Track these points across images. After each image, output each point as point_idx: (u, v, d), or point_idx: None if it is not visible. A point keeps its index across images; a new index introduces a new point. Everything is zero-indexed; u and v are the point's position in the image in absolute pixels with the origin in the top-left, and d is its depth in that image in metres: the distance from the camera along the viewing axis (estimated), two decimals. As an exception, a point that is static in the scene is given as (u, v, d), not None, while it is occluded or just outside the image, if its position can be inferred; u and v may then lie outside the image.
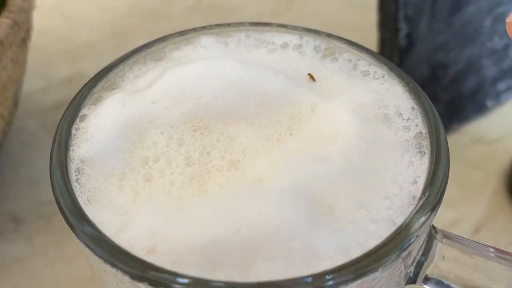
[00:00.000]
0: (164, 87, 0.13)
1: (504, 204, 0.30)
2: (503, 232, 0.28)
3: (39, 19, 0.32)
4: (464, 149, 0.33)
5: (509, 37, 0.34)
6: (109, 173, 0.12)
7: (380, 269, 0.09)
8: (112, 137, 0.13)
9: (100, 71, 0.15)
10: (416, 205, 0.11)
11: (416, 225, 0.10)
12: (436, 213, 0.11)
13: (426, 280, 0.12)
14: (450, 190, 0.30)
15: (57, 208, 0.30)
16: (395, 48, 0.28)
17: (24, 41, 0.25)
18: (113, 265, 0.10)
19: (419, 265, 0.12)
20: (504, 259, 0.13)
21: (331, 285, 0.09)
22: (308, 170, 0.11)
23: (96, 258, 0.11)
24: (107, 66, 0.16)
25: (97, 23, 0.43)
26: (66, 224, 0.29)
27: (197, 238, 0.10)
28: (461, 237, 0.13)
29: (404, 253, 0.10)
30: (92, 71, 0.38)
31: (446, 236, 0.12)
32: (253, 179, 0.11)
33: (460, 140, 0.33)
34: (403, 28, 0.27)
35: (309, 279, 0.09)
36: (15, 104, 0.27)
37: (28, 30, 0.25)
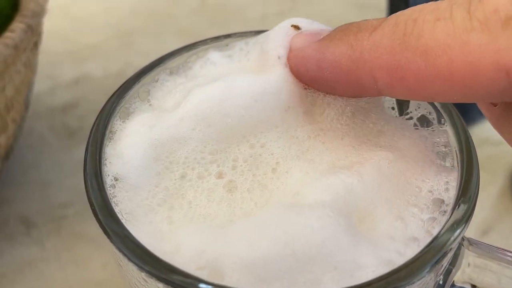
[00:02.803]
0: (190, 108, 0.13)
1: (511, 205, 0.30)
2: (511, 234, 0.28)
3: (45, 21, 0.32)
4: (471, 150, 0.33)
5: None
6: (144, 193, 0.13)
7: (417, 279, 0.10)
8: (143, 157, 0.13)
9: (123, 84, 0.15)
10: (450, 216, 0.11)
11: (452, 237, 0.11)
12: (468, 224, 0.12)
13: (453, 287, 0.13)
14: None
15: (67, 211, 0.30)
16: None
17: (36, 45, 0.25)
18: (167, 281, 0.10)
19: (447, 273, 0.12)
20: None
21: None
22: (345, 184, 0.11)
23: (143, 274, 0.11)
24: (129, 79, 0.16)
25: (102, 24, 0.43)
26: (77, 227, 0.29)
27: (246, 254, 0.10)
28: (487, 244, 0.13)
29: (439, 264, 0.10)
30: (98, 72, 0.39)
31: (473, 243, 0.13)
32: (292, 193, 0.12)
33: (466, 141, 0.33)
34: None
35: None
36: (27, 107, 0.27)
37: (39, 34, 0.25)
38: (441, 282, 0.12)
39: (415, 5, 0.27)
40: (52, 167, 0.32)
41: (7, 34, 0.21)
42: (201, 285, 0.10)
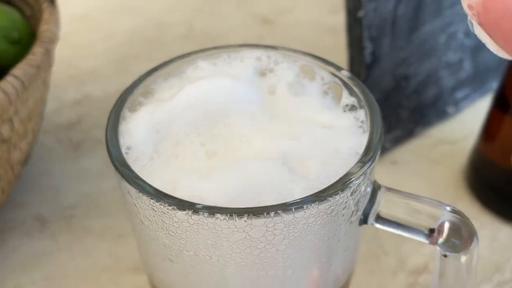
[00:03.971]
0: (182, 99, 0.18)
1: (464, 194, 0.34)
2: (461, 217, 0.33)
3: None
4: (429, 149, 0.38)
5: (462, 52, 0.39)
6: (148, 155, 0.17)
7: (331, 197, 0.14)
8: (146, 132, 0.17)
9: (132, 84, 0.20)
10: (358, 161, 0.16)
11: (356, 172, 0.15)
12: (370, 165, 0.16)
13: (375, 220, 0.17)
14: (418, 183, 0.35)
15: (76, 211, 0.34)
16: (362, 64, 0.33)
17: (50, 67, 0.30)
18: (168, 202, 0.14)
19: (367, 210, 0.17)
20: (431, 202, 0.17)
21: (299, 205, 0.14)
22: (289, 145, 0.16)
23: (145, 197, 0.15)
24: (135, 80, 0.20)
25: (100, 52, 0.48)
26: (84, 224, 0.33)
27: (222, 189, 0.14)
28: (400, 190, 0.17)
29: (347, 190, 0.15)
30: (98, 93, 0.43)
31: (389, 189, 0.17)
32: (253, 153, 0.16)
33: (425, 142, 0.38)
34: (368, 47, 0.32)
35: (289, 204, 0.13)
36: (41, 120, 0.31)
37: (53, 58, 0.30)
38: (362, 217, 0.17)
39: (368, 26, 0.32)
40: (61, 174, 0.36)
41: (30, 56, 0.25)
42: (198, 206, 0.14)
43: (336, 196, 0.14)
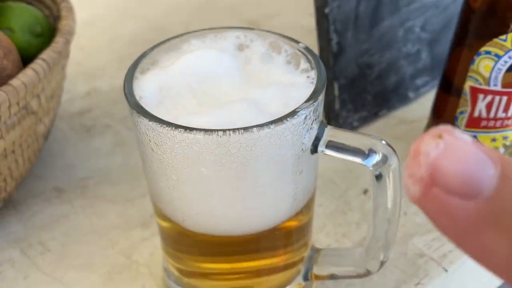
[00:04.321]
0: (179, 65, 0.24)
1: (421, 164, 0.40)
2: (417, 181, 0.39)
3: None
4: (391, 128, 0.43)
5: (419, 44, 0.45)
6: (155, 103, 0.22)
7: (285, 121, 0.19)
8: (153, 89, 0.23)
9: (141, 56, 0.25)
10: (305, 100, 0.21)
11: (304, 107, 0.20)
12: (313, 103, 0.21)
13: (324, 148, 0.22)
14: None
15: (89, 181, 0.39)
16: (330, 53, 0.39)
17: (68, 55, 0.36)
18: (172, 127, 0.19)
19: (316, 141, 0.22)
20: (368, 135, 0.23)
21: (262, 126, 0.19)
22: (258, 94, 0.22)
23: (150, 123, 0.20)
24: (144, 52, 0.26)
25: (106, 52, 0.54)
26: (96, 192, 0.38)
27: (208, 121, 0.20)
28: (344, 129, 0.23)
29: (297, 118, 0.20)
30: (105, 87, 0.49)
31: (333, 127, 0.23)
32: (231, 101, 0.22)
33: (388, 122, 0.44)
34: (334, 38, 0.38)
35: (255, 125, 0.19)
36: (59, 102, 0.37)
37: (70, 49, 0.36)
38: (312, 147, 0.22)
39: (334, 20, 0.38)
40: (75, 153, 0.42)
41: (53, 44, 0.31)
42: (192, 128, 0.19)
43: (288, 121, 0.20)
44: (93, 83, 0.50)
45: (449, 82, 0.35)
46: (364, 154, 0.22)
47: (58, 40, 0.32)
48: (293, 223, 0.25)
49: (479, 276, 0.35)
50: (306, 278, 0.29)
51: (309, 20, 0.57)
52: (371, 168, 0.22)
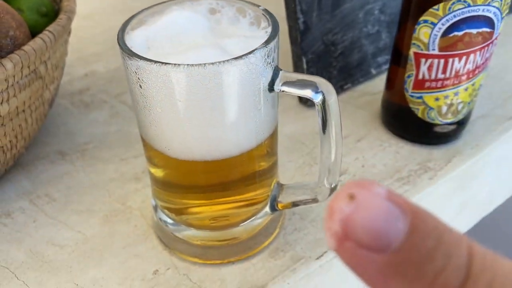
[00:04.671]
0: (162, 23, 0.29)
1: (378, 126, 0.46)
2: (375, 140, 0.44)
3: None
4: (355, 99, 0.49)
5: (379, 25, 0.51)
6: (142, 51, 0.28)
7: (244, 57, 0.25)
8: (141, 40, 0.28)
9: (131, 17, 0.30)
10: (260, 44, 0.27)
11: (259, 48, 0.26)
12: (267, 45, 0.27)
13: (280, 86, 0.28)
14: (346, 122, 0.46)
15: (88, 146, 0.44)
16: (297, 31, 0.44)
17: (69, 33, 0.41)
18: (157, 63, 0.25)
19: (273, 81, 0.28)
20: (315, 77, 0.28)
21: (225, 61, 0.25)
22: (225, 44, 0.27)
23: (139, 63, 0.25)
24: (133, 15, 0.31)
25: (101, 41, 0.60)
26: (95, 154, 0.44)
27: (185, 60, 0.25)
28: (294, 72, 0.28)
29: (253, 56, 0.25)
30: (101, 69, 0.55)
31: (286, 71, 0.28)
32: (204, 46, 0.27)
33: (352, 94, 0.50)
34: (300, 18, 0.44)
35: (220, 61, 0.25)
36: (62, 75, 0.43)
37: (71, 27, 0.41)
38: (268, 87, 0.28)
39: (299, 1, 0.44)
40: (75, 123, 0.47)
41: (58, 20, 0.37)
42: (173, 63, 0.25)
43: (246, 58, 0.25)
44: (90, 67, 0.55)
45: (398, 52, 0.41)
46: (312, 89, 0.28)
47: (62, 17, 0.37)
48: (259, 153, 0.30)
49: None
50: (273, 209, 0.34)
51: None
52: (317, 100, 0.28)
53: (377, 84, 0.51)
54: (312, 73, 0.47)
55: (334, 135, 0.29)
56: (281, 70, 0.28)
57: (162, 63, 0.25)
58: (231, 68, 0.25)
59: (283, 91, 0.28)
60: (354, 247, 0.11)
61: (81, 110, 0.49)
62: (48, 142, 0.45)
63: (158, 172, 0.32)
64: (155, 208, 0.35)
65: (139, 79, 0.27)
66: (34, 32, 0.39)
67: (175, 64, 0.25)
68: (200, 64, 0.25)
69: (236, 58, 0.25)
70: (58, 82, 0.41)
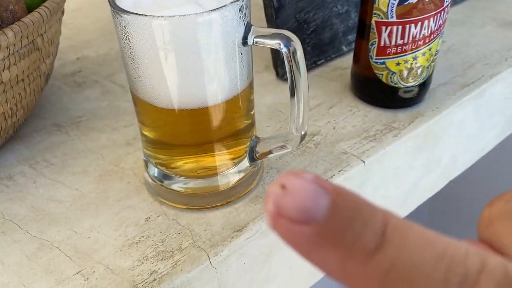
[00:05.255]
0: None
1: (348, 95, 0.50)
2: (345, 106, 0.48)
3: (59, 18, 0.52)
4: (328, 73, 0.53)
5: (348, 5, 0.55)
6: (131, 8, 0.32)
7: (218, 10, 0.29)
8: (129, 4, 0.32)
9: None
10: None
11: (231, 2, 0.30)
12: (239, 1, 0.31)
13: (252, 40, 0.32)
14: (319, 92, 0.50)
15: (82, 118, 0.48)
16: (272, 8, 0.49)
17: (63, 12, 0.45)
18: (144, 16, 0.29)
19: (245, 35, 0.32)
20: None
21: (201, 13, 0.29)
22: (204, 1, 0.31)
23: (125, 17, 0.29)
24: None
25: (91, 30, 0.63)
26: (88, 125, 0.47)
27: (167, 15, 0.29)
28: (265, 27, 0.32)
29: (226, 10, 0.30)
30: (92, 54, 0.59)
31: (258, 26, 0.32)
32: (183, 4, 0.31)
33: (326, 69, 0.54)
34: (275, -4, 0.48)
35: (196, 13, 0.29)
36: (56, 53, 0.46)
37: (63, 6, 0.45)
38: (242, 40, 0.32)
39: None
40: (69, 100, 0.51)
41: (52, -2, 0.41)
42: (158, 15, 0.29)
43: (219, 11, 0.29)
44: (81, 53, 0.59)
45: (362, 22, 0.45)
46: (281, 39, 0.32)
47: (55, -3, 0.41)
48: (237, 104, 0.34)
49: (386, 165, 0.44)
50: (252, 159, 0.38)
51: None
52: (285, 49, 0.32)
53: (348, 60, 0.55)
54: (287, 49, 0.51)
55: (301, 85, 0.33)
56: (252, 25, 0.32)
57: (147, 15, 0.29)
58: (207, 19, 0.29)
59: (256, 43, 0.32)
60: (286, 222, 0.13)
61: (74, 89, 0.53)
62: (45, 116, 0.49)
63: (148, 128, 0.36)
64: (146, 163, 0.39)
65: (127, 32, 0.30)
66: (30, 10, 0.42)
67: (158, 16, 0.29)
68: (180, 15, 0.29)
69: (211, 10, 0.29)
70: (53, 58, 0.45)
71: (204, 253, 0.34)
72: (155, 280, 0.33)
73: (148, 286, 0.32)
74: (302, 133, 0.35)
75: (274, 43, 0.32)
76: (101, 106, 0.50)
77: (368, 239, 0.13)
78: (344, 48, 0.55)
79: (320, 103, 0.49)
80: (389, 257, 0.13)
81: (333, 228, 0.13)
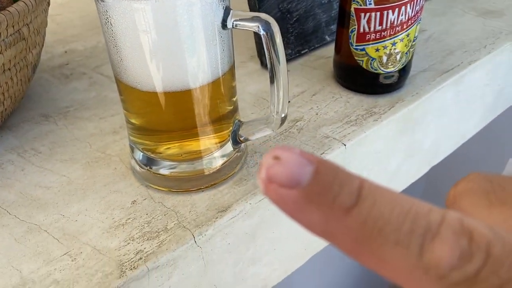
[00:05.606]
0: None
1: (331, 82, 0.51)
2: (328, 93, 0.49)
3: (46, 11, 0.53)
4: (311, 62, 0.54)
5: (330, -3, 0.56)
6: None
7: None
8: None
9: None
10: None
11: None
12: None
13: (231, 25, 0.33)
14: (303, 80, 0.51)
15: (70, 109, 0.49)
16: (255, -2, 0.50)
17: (48, 3, 0.46)
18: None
19: (225, 19, 0.33)
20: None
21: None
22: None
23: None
24: None
25: (78, 24, 0.64)
26: (76, 115, 0.48)
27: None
28: (244, 11, 0.33)
29: None
30: (79, 47, 0.60)
31: (237, 10, 0.33)
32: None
33: (309, 58, 0.55)
34: (257, -14, 0.49)
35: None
36: (43, 44, 0.47)
37: None
38: (221, 24, 0.33)
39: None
40: (57, 91, 0.52)
41: (38, -12, 0.42)
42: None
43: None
44: (69, 46, 0.60)
45: (342, 10, 0.46)
46: (259, 22, 0.33)
47: (41, -14, 0.42)
48: (219, 87, 0.35)
49: (368, 149, 0.45)
50: (235, 142, 0.39)
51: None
52: (263, 31, 0.33)
53: (331, 49, 0.56)
54: (270, 38, 0.52)
55: (280, 67, 0.34)
56: (231, 9, 0.33)
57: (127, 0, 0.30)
58: (186, 2, 0.30)
59: (235, 26, 0.33)
60: (276, 187, 0.15)
61: (62, 81, 0.53)
62: (32, 107, 0.49)
63: (133, 115, 0.37)
64: (132, 148, 0.40)
65: (109, 17, 0.31)
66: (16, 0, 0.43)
67: (138, 0, 0.30)
68: (158, -1, 0.30)
69: (191, -5, 0.30)
70: (40, 48, 0.46)
71: (189, 232, 0.35)
72: (141, 259, 0.33)
73: (134, 264, 0.33)
74: (283, 115, 0.37)
75: (253, 26, 0.33)
76: (89, 97, 0.51)
77: (346, 199, 0.15)
78: (327, 38, 0.56)
79: (304, 91, 0.50)
80: (363, 212, 0.15)
81: (316, 191, 0.15)
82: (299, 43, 0.54)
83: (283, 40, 0.53)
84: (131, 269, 0.33)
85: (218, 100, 0.36)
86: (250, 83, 0.51)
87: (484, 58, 0.53)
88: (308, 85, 0.51)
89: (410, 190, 0.56)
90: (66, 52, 0.58)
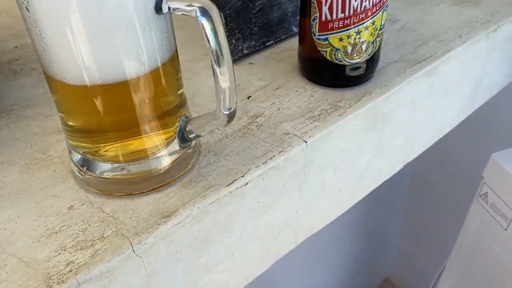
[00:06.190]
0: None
1: (296, 75, 0.48)
2: (292, 87, 0.46)
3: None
4: (277, 54, 0.51)
5: (296, -15, 0.52)
6: None
7: None
8: None
9: None
10: None
11: None
12: None
13: (166, 7, 0.29)
14: (267, 73, 0.48)
15: (14, 107, 0.46)
16: (213, -14, 0.46)
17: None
18: None
19: (158, 3, 0.29)
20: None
21: None
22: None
23: None
24: None
25: (35, 19, 0.61)
26: (21, 113, 0.45)
27: None
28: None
29: None
30: (31, 43, 0.56)
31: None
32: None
33: (275, 50, 0.52)
34: (215, -27, 0.46)
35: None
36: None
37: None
38: (155, 8, 0.29)
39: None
40: (2, 88, 0.48)
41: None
42: None
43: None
44: (21, 41, 0.56)
45: (304, 5, 0.43)
46: (198, 8, 0.29)
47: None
48: (156, 79, 0.32)
49: (332, 146, 0.42)
50: (183, 140, 0.36)
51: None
52: (201, 19, 0.30)
53: (297, 40, 0.53)
54: (231, 29, 0.49)
55: (224, 58, 0.31)
56: (168, -2, 0.30)
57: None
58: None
59: (172, 10, 0.30)
60: None
61: (10, 77, 0.50)
62: (-24, 105, 0.46)
63: (67, 116, 0.34)
64: (69, 150, 0.37)
65: (29, 3, 0.28)
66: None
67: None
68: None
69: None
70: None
71: (127, 241, 0.32)
72: (71, 271, 0.30)
73: (63, 277, 0.30)
74: (230, 111, 0.33)
75: (190, 10, 0.30)
76: (37, 94, 0.47)
77: None
78: (295, 29, 0.53)
79: (267, 85, 0.47)
80: None
81: None
82: (264, 34, 0.51)
83: (245, 31, 0.50)
84: (58, 282, 0.30)
85: (160, 93, 0.33)
86: (210, 77, 0.48)
87: (459, 48, 0.50)
88: (272, 79, 0.48)
89: (395, 188, 0.53)
90: (16, 47, 0.55)
